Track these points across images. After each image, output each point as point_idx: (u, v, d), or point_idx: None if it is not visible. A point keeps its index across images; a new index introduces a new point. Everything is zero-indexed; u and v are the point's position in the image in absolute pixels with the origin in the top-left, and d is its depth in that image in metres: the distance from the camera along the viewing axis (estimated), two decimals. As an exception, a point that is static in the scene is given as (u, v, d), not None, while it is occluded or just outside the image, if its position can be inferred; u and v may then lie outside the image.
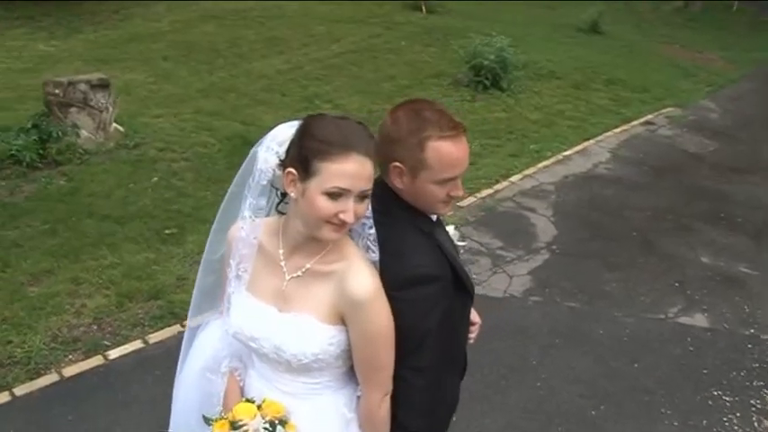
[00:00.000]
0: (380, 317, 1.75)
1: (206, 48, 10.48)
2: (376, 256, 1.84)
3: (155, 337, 4.23)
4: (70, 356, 4.08)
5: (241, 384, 1.99)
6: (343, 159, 1.64)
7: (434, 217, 1.99)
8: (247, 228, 1.82)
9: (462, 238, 2.36)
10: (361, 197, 1.70)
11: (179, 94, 8.64)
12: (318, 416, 1.89)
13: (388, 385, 1.83)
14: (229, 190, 1.89)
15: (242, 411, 1.82)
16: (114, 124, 6.88)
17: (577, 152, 7.31)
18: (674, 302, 4.85)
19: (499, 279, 4.98)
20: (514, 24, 12.35)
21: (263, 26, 11.58)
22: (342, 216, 1.66)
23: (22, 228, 5.31)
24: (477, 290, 4.80)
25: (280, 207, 1.86)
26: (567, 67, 10.25)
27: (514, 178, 6.58)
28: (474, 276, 4.99)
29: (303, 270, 1.79)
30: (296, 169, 1.68)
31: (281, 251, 1.82)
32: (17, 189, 5.87)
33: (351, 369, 1.87)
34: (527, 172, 6.72)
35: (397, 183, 1.87)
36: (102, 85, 6.62)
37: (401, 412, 1.89)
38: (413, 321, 1.81)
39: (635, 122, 8.37)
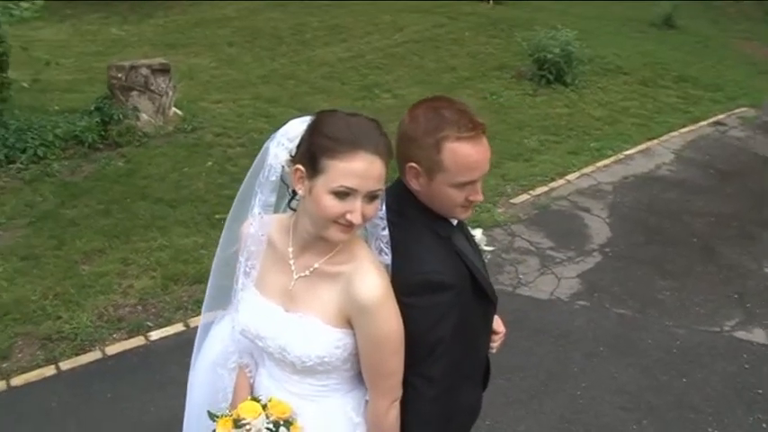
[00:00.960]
0: (388, 322, 1.68)
1: (270, 34, 10.59)
2: (388, 258, 1.77)
3: (196, 321, 4.27)
4: (114, 335, 4.18)
5: (251, 381, 1.96)
6: (350, 158, 1.58)
7: (455, 221, 1.90)
8: (257, 224, 1.79)
9: (490, 242, 2.26)
10: (371, 197, 1.63)
11: (240, 80, 8.75)
12: (325, 418, 1.85)
13: (397, 392, 1.77)
14: (242, 184, 1.86)
15: (246, 410, 1.79)
16: (173, 108, 7.01)
17: (640, 152, 7.03)
18: (731, 315, 4.61)
19: (547, 280, 4.83)
20: (583, 18, 11.99)
21: (328, 14, 11.60)
22: (349, 216, 1.61)
23: (80, 207, 5.48)
24: (523, 290, 4.75)
25: (292, 204, 1.81)
26: (636, 62, 9.87)
27: (571, 177, 6.38)
28: (520, 276, 4.88)
29: (311, 270, 1.75)
30: (304, 166, 1.63)
31: (290, 249, 1.78)
32: (78, 169, 6.06)
33: (360, 372, 1.82)
34: (585, 170, 6.51)
35: (414, 184, 1.80)
36: (163, 70, 6.75)
37: (408, 420, 1.82)
38: (423, 329, 1.74)
39: (704, 122, 7.99)
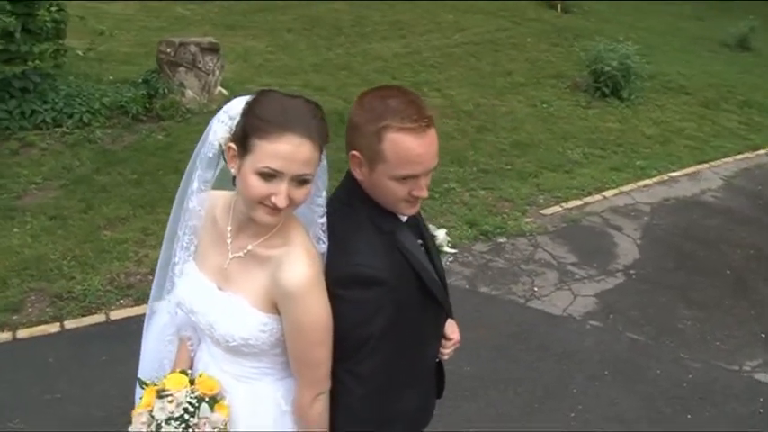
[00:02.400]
0: (312, 311, 1.64)
1: (330, 24, 10.63)
2: (325, 247, 1.73)
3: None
4: (121, 301, 4.27)
5: (192, 355, 1.95)
6: (277, 139, 1.55)
7: (404, 217, 1.83)
8: (195, 200, 1.78)
9: (452, 244, 2.17)
10: (299, 182, 1.59)
11: (292, 66, 8.82)
12: (254, 402, 1.82)
13: (323, 385, 1.72)
14: (189, 163, 1.84)
15: (172, 382, 1.78)
16: (219, 87, 7.11)
17: (687, 175, 6.74)
18: (754, 355, 4.36)
19: (562, 296, 4.68)
20: (652, 32, 11.61)
21: (392, 9, 11.58)
22: (273, 199, 1.57)
23: (113, 175, 5.62)
24: (535, 303, 4.63)
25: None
26: (700, 82, 9.49)
27: (608, 193, 6.17)
28: (535, 289, 4.74)
29: (245, 251, 1.72)
30: (236, 145, 1.61)
31: (229, 228, 1.76)
32: (119, 138, 6.22)
33: None
34: (624, 188, 6.28)
35: (357, 173, 1.74)
36: (212, 49, 6.85)
37: (340, 417, 1.77)
38: (351, 323, 1.69)
39: (762, 151, 7.60)
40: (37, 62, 5.94)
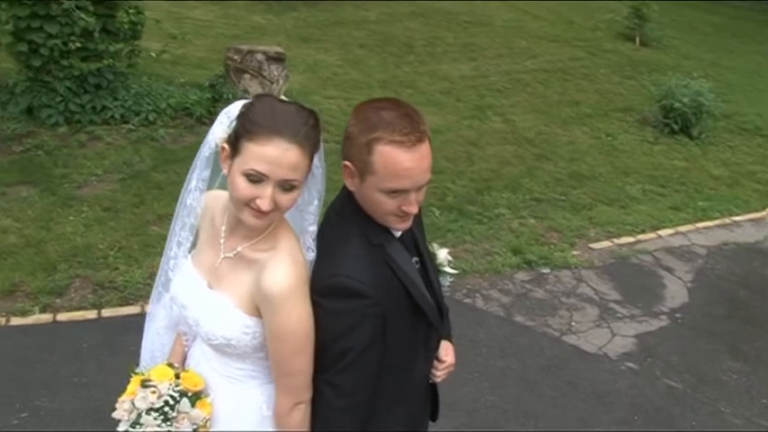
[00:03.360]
0: (292, 318, 1.64)
1: (402, 42, 10.71)
2: (313, 255, 1.73)
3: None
4: (158, 296, 4.37)
5: (186, 350, 1.98)
6: (264, 142, 1.57)
7: (398, 232, 1.81)
8: (192, 197, 1.81)
9: (453, 265, 2.13)
10: (286, 187, 1.60)
11: (359, 81, 8.92)
12: (237, 403, 1.84)
13: (302, 394, 1.72)
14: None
15: (157, 373, 1.81)
16: (283, 97, 7.24)
17: (751, 220, 6.43)
18: (801, 416, 4.10)
19: (599, 334, 4.53)
20: (736, 72, 11.17)
21: (466, 31, 11.58)
22: (258, 202, 1.58)
23: (170, 173, 5.80)
24: (570, 338, 4.50)
25: None
26: (779, 126, 9.08)
27: (664, 232, 5.95)
28: (572, 324, 4.61)
29: (235, 252, 1.74)
30: (228, 146, 1.64)
31: (223, 228, 1.78)
32: (180, 138, 6.42)
33: None
34: (681, 228, 6.04)
35: (348, 184, 1.74)
36: (278, 59, 7.02)
37: (317, 428, 1.76)
38: (332, 334, 1.68)
39: (838, 204, 7.18)
40: (111, 61, 6.22)
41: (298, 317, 1.64)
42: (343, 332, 1.67)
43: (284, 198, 1.61)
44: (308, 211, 1.73)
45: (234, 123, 1.68)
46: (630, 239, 5.78)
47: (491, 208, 6.02)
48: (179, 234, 1.85)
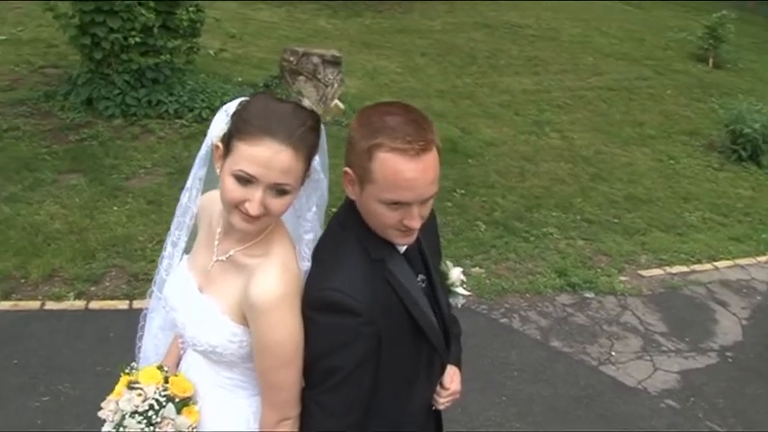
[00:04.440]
0: (277, 329, 1.55)
1: (465, 53, 10.59)
2: (308, 264, 1.64)
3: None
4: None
5: (182, 353, 1.92)
6: (255, 142, 1.48)
7: (402, 247, 1.70)
8: (186, 196, 1.75)
9: (465, 285, 1.99)
10: (278, 191, 1.52)
11: (417, 90, 8.83)
12: (224, 413, 1.76)
13: (288, 410, 1.63)
14: None
15: (146, 375, 1.75)
16: (336, 101, 7.23)
17: (819, 258, 6.03)
18: None
19: (640, 366, 4.30)
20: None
21: (531, 45, 11.35)
22: (246, 205, 1.50)
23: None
24: (608, 369, 4.30)
25: None
26: None
27: (721, 264, 5.63)
28: (612, 353, 4.39)
29: (227, 256, 1.67)
30: (222, 144, 1.56)
31: (218, 230, 1.71)
32: (230, 136, 6.45)
33: None
34: (741, 261, 5.70)
35: (349, 192, 1.64)
36: (334, 62, 6.99)
37: None
38: (321, 350, 1.58)
39: None
40: (169, 57, 6.31)
41: (285, 328, 1.55)
42: (332, 349, 1.57)
43: (276, 203, 1.53)
44: (306, 219, 1.65)
45: (229, 121, 1.61)
46: (684, 269, 5.49)
47: (539, 226, 5.83)
48: (174, 233, 1.79)
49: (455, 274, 1.95)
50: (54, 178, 5.30)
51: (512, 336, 4.44)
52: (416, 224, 1.59)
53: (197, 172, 1.75)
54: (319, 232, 1.73)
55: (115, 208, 5.08)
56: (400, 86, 8.87)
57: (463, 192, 6.25)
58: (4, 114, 6.07)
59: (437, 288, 1.84)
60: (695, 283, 5.32)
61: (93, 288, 4.29)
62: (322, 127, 1.67)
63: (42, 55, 7.54)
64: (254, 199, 1.50)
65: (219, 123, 1.64)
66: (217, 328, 1.64)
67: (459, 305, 1.99)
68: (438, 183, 1.60)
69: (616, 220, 6.15)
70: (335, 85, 7.04)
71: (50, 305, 4.06)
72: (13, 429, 3.21)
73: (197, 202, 1.77)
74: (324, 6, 11.78)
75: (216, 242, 1.70)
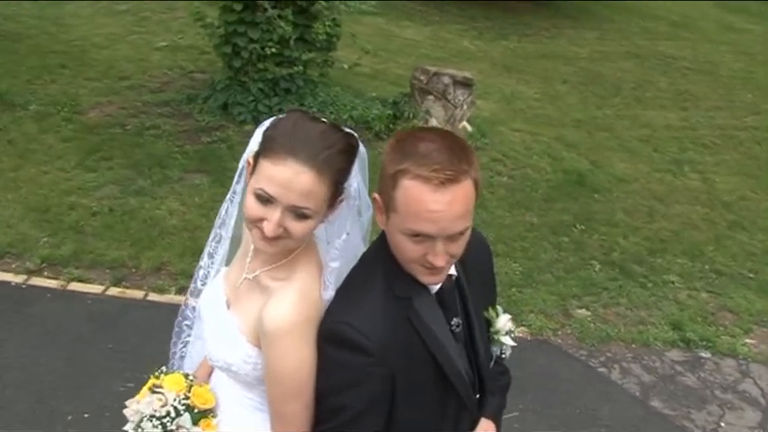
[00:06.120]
0: (286, 358, 1.51)
1: (610, 83, 10.14)
2: (329, 293, 1.58)
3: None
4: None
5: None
6: (278, 162, 1.45)
7: (435, 287, 1.59)
8: (224, 208, 1.76)
9: (512, 334, 1.85)
10: (297, 214, 1.47)
11: (552, 118, 8.56)
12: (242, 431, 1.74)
13: None
14: None
15: (170, 381, 1.77)
16: (464, 123, 7.15)
17: None
18: None
19: (752, 442, 3.87)
20: None
21: (684, 78, 10.67)
22: (264, 225, 1.47)
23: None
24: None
25: None
26: None
27: None
28: (722, 424, 3.98)
29: (253, 275, 1.66)
30: (253, 161, 1.55)
31: (252, 247, 1.70)
32: (354, 150, 6.56)
33: None
34: None
35: (378, 220, 1.56)
36: (466, 84, 6.92)
37: None
38: (329, 385, 1.52)
39: None
40: (302, 68, 6.54)
41: (294, 358, 1.51)
42: (341, 386, 1.51)
43: (295, 226, 1.49)
44: (334, 246, 1.59)
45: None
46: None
47: (660, 273, 5.43)
48: (210, 245, 1.81)
49: (502, 321, 1.81)
50: (180, 176, 5.63)
51: (608, 387, 4.14)
52: (440, 262, 1.48)
53: (235, 186, 1.76)
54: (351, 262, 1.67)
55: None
56: (535, 113, 8.63)
57: (583, 228, 5.96)
58: (149, 114, 6.55)
59: (476, 334, 1.71)
60: (839, 356, 4.72)
61: (149, 278, 4.47)
62: (363, 151, 1.62)
63: (194, 61, 8.07)
64: (270, 219, 1.48)
65: (256, 138, 1.64)
66: (233, 347, 1.63)
67: (504, 355, 1.86)
68: (470, 219, 1.49)
69: (751, 275, 5.59)
70: (465, 107, 6.96)
71: (153, 296, 4.30)
72: (95, 408, 3.41)
73: (234, 215, 1.78)
74: (470, 28, 11.74)
75: (248, 260, 1.70)
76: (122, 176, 5.54)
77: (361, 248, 1.73)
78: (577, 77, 10.26)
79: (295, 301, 1.53)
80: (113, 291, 4.30)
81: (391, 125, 6.85)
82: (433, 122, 6.97)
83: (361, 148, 1.62)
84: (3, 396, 3.55)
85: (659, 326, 4.77)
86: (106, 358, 3.75)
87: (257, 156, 1.53)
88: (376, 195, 1.55)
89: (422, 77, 6.86)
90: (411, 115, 6.86)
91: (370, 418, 1.52)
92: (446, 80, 6.85)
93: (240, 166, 1.73)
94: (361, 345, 1.48)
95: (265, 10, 6.14)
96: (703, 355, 4.56)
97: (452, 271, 1.64)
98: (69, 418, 3.38)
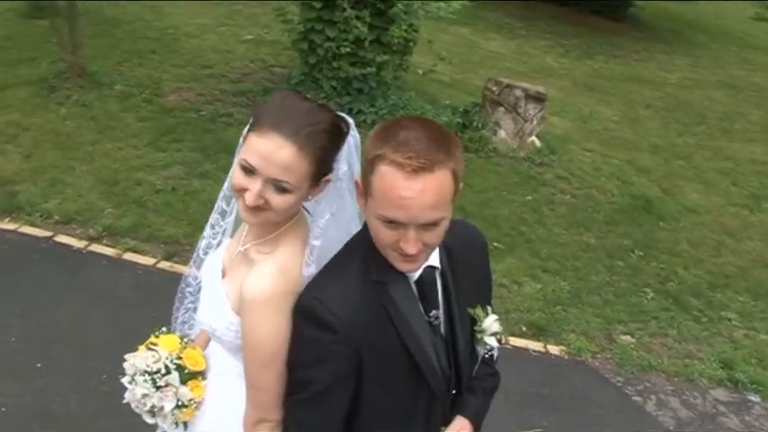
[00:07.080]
0: (259, 328, 1.56)
1: (696, 111, 9.81)
2: (310, 270, 1.62)
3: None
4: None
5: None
6: (261, 135, 1.51)
7: (415, 274, 1.60)
8: (226, 183, 1.83)
9: (499, 337, 1.82)
10: (278, 188, 1.52)
11: (628, 141, 8.35)
12: (223, 398, 1.81)
13: (267, 413, 1.63)
14: None
15: (165, 341, 1.86)
16: (534, 137, 7.06)
17: None
18: None
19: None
20: None
21: (782, 111, 10.20)
22: (246, 195, 1.53)
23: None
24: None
25: None
26: None
27: None
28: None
29: (244, 248, 1.72)
30: (245, 134, 1.61)
31: None
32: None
33: None
34: None
35: (359, 203, 1.59)
36: (538, 98, 6.84)
37: None
38: (299, 359, 1.57)
39: None
40: (375, 70, 6.64)
41: (267, 328, 1.56)
42: (310, 361, 1.55)
43: (276, 199, 1.54)
44: (317, 225, 1.64)
45: None
46: None
47: (718, 308, 5.20)
48: (213, 216, 1.89)
49: (488, 321, 1.77)
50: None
51: (640, 417, 4.01)
52: (412, 249, 1.49)
53: (235, 161, 1.83)
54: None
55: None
56: (611, 135, 8.44)
57: (641, 254, 5.77)
58: (224, 102, 6.80)
59: (457, 330, 1.70)
60: None
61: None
62: (354, 135, 1.66)
63: (276, 55, 8.32)
64: (251, 189, 1.53)
65: None
66: (219, 314, 1.70)
67: (485, 355, 1.83)
68: (445, 209, 1.48)
69: (818, 323, 5.28)
70: (535, 122, 6.88)
71: (198, 274, 4.45)
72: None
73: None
74: (557, 44, 11.61)
75: (244, 233, 1.77)
76: (190, 159, 5.78)
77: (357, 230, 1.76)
78: (662, 103, 9.97)
79: (273, 274, 1.58)
80: (163, 264, 4.50)
81: (459, 134, 6.85)
82: (502, 135, 6.93)
83: (355, 134, 1.66)
84: (51, 349, 3.78)
85: (707, 362, 4.57)
86: (146, 326, 3.90)
87: (249, 130, 1.60)
88: (357, 179, 1.58)
89: (494, 88, 6.83)
90: (480, 125, 6.84)
91: (336, 394, 1.56)
92: (518, 93, 6.80)
93: (241, 142, 1.80)
94: (328, 322, 1.51)
95: (344, 10, 6.27)
96: (752, 398, 4.34)
97: (435, 263, 1.64)
98: (104, 376, 3.55)
